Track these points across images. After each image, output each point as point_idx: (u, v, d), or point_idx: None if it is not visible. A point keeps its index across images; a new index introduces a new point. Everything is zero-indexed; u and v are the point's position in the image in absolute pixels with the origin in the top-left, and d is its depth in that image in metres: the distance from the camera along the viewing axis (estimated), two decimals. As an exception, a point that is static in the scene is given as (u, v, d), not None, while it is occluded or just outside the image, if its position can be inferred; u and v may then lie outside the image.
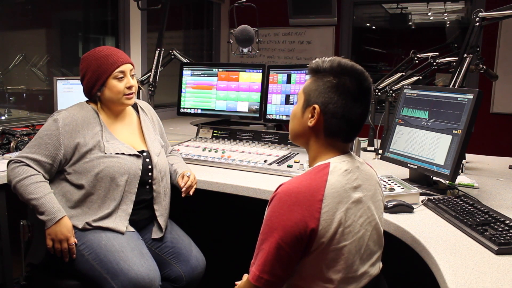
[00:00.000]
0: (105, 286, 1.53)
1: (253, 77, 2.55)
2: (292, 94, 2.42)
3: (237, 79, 2.58)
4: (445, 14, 4.59)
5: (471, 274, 1.13)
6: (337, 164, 1.14)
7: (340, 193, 1.10)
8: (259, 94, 2.52)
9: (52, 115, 1.67)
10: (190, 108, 2.68)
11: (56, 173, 1.65)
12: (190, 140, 2.55)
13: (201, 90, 2.66)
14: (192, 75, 2.69)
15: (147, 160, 1.74)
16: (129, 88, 1.71)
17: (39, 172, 1.59)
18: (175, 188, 1.83)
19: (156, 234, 1.76)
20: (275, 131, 2.50)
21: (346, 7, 4.52)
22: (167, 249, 1.76)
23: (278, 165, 2.06)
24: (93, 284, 1.56)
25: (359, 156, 1.77)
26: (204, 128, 2.62)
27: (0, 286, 1.99)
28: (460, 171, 1.93)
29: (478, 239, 1.32)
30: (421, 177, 1.87)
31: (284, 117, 2.44)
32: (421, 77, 2.63)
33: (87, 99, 1.76)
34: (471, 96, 1.70)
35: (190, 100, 2.68)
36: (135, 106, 1.89)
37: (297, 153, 2.22)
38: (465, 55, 2.04)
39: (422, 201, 1.67)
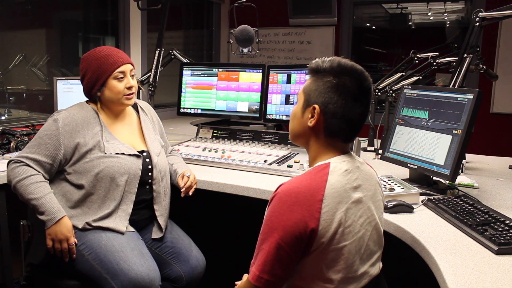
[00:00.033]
0: (105, 286, 1.53)
1: (253, 77, 2.55)
2: (292, 94, 2.42)
3: (237, 79, 2.58)
4: (445, 14, 4.59)
5: (471, 274, 1.13)
6: (337, 164, 1.14)
7: (340, 193, 1.10)
8: (259, 94, 2.52)
9: (52, 115, 1.67)
10: (190, 108, 2.68)
11: (56, 173, 1.65)
12: (190, 140, 2.55)
13: (201, 90, 2.66)
14: (192, 75, 2.69)
15: (147, 160, 1.74)
16: (129, 88, 1.71)
17: (39, 172, 1.59)
18: (175, 188, 1.83)
19: (156, 234, 1.76)
20: (275, 131, 2.50)
21: (346, 7, 4.52)
22: (167, 249, 1.76)
23: (278, 165, 2.06)
24: (93, 284, 1.56)
25: (359, 156, 1.77)
26: (204, 128, 2.62)
27: (0, 286, 1.99)
28: (460, 171, 1.93)
29: (478, 239, 1.32)
30: (421, 177, 1.87)
31: (284, 117, 2.44)
32: (421, 77, 2.63)
33: (87, 99, 1.76)
34: (471, 96, 1.70)
35: (190, 100, 2.68)
36: (135, 106, 1.89)
37: (297, 153, 2.22)
38: (465, 55, 2.04)
39: (422, 201, 1.67)
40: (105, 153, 1.63)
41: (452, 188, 1.82)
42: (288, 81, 2.44)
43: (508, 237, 1.27)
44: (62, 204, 1.60)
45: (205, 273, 1.80)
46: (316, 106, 1.14)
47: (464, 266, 1.17)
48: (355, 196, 1.13)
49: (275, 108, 2.47)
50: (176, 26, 4.63)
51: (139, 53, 3.79)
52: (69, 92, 2.47)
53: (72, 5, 3.65)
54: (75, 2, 3.67)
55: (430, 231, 1.42)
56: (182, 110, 2.70)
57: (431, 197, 1.68)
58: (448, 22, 4.56)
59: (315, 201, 1.07)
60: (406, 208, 1.58)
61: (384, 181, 1.77)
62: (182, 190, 1.77)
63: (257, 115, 2.53)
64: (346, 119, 1.13)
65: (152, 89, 2.82)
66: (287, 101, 2.43)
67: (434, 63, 2.55)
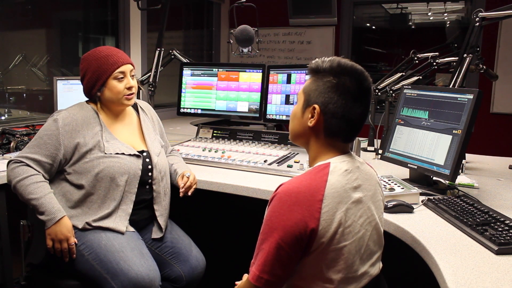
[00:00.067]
0: (105, 286, 1.53)
1: (253, 77, 2.55)
2: (292, 94, 2.42)
3: (237, 79, 2.58)
4: (445, 14, 4.59)
5: (471, 274, 1.13)
6: (337, 164, 1.14)
7: (340, 193, 1.10)
8: (259, 94, 2.52)
9: (52, 115, 1.67)
10: (190, 108, 2.68)
11: (56, 173, 1.65)
12: (190, 140, 2.55)
13: (201, 90, 2.66)
14: (192, 75, 2.69)
15: (147, 160, 1.74)
16: (129, 88, 1.71)
17: (39, 172, 1.59)
18: (175, 188, 1.82)
19: (156, 234, 1.76)
20: (275, 131, 2.50)
21: (346, 7, 4.52)
22: (167, 249, 1.76)
23: (278, 165, 2.06)
24: (93, 284, 1.56)
25: (359, 156, 1.77)
26: (204, 128, 2.62)
27: (0, 286, 1.99)
28: (460, 171, 1.93)
29: (478, 239, 1.32)
30: (421, 177, 1.87)
31: (284, 117, 2.44)
32: (421, 77, 2.63)
33: (87, 99, 1.76)
34: (471, 96, 1.70)
35: (190, 100, 2.68)
36: (135, 106, 1.89)
37: (297, 153, 2.22)
38: (465, 55, 2.04)
39: (422, 201, 1.67)
40: (105, 153, 1.63)
41: (452, 188, 1.82)
42: (288, 81, 2.44)
43: (508, 237, 1.27)
44: (62, 204, 1.60)
45: (205, 273, 1.80)
46: (316, 106, 1.14)
47: (464, 266, 1.17)
48: (355, 196, 1.13)
49: (275, 108, 2.47)
50: (176, 26, 4.63)
51: (139, 53, 3.79)
52: (69, 92, 2.47)
53: (72, 5, 3.65)
54: (75, 2, 3.67)
55: (430, 231, 1.42)
56: (182, 110, 2.70)
57: (431, 197, 1.68)
58: (448, 22, 4.56)
59: (315, 201, 1.07)
60: (406, 208, 1.58)
61: (384, 181, 1.77)
62: (181, 190, 1.76)
63: (257, 115, 2.53)
64: (346, 119, 1.13)
65: (152, 89, 2.82)
66: (287, 101, 2.43)
67: (434, 63, 2.55)
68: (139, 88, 1.82)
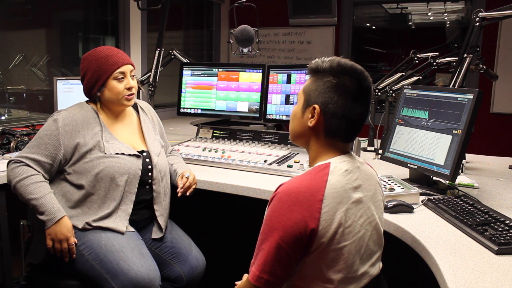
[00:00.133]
0: (105, 286, 1.53)
1: (253, 77, 2.55)
2: (292, 94, 2.42)
3: (237, 79, 2.58)
4: (445, 14, 4.59)
5: (471, 274, 1.13)
6: (337, 164, 1.14)
7: (340, 193, 1.10)
8: (259, 94, 2.52)
9: (52, 115, 1.67)
10: (190, 108, 2.68)
11: (56, 173, 1.65)
12: (190, 140, 2.55)
13: (201, 90, 2.66)
14: (192, 75, 2.69)
15: (147, 160, 1.74)
16: (129, 89, 1.71)
17: (39, 172, 1.59)
18: (175, 188, 1.82)
19: (156, 234, 1.76)
20: (275, 131, 2.50)
21: (346, 7, 4.52)
22: (167, 249, 1.76)
23: (278, 165, 2.06)
24: (93, 284, 1.56)
25: (359, 156, 1.77)
26: (204, 128, 2.62)
27: (0, 286, 1.99)
28: (460, 171, 1.93)
29: (478, 239, 1.32)
30: (421, 177, 1.87)
31: (284, 117, 2.44)
32: (421, 77, 2.63)
33: (87, 99, 1.76)
34: (471, 96, 1.70)
35: (190, 100, 2.68)
36: (135, 106, 1.89)
37: (297, 153, 2.22)
38: (465, 55, 2.04)
39: (422, 201, 1.67)
40: (105, 153, 1.63)
41: (452, 188, 1.82)
42: (288, 81, 2.44)
43: (508, 237, 1.27)
44: (62, 204, 1.60)
45: (205, 273, 1.80)
46: (316, 106, 1.14)
47: (464, 266, 1.17)
48: (355, 196, 1.13)
49: (275, 108, 2.47)
50: (176, 26, 4.63)
51: (139, 53, 3.79)
52: (69, 92, 2.47)
53: (72, 5, 3.65)
54: (75, 2, 3.67)
55: (430, 231, 1.42)
56: (182, 110, 2.70)
57: (431, 197, 1.68)
58: (448, 22, 4.56)
59: (315, 201, 1.07)
60: (406, 208, 1.58)
61: (384, 181, 1.77)
62: (178, 190, 1.76)
63: (257, 115, 2.53)
64: (346, 119, 1.13)
65: (152, 89, 2.82)
66: (287, 101, 2.43)
67: (434, 63, 2.55)
68: (139, 88, 1.82)
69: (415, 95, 1.96)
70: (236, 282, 1.25)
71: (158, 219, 1.75)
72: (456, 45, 3.34)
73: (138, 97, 2.10)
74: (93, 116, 1.70)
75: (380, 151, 2.34)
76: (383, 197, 1.29)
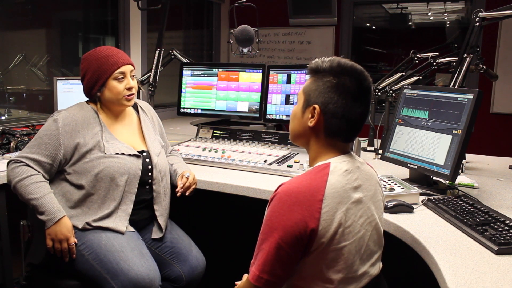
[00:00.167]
0: (105, 286, 1.53)
1: (253, 77, 2.55)
2: (292, 94, 2.42)
3: (237, 79, 2.58)
4: (445, 14, 4.59)
5: (471, 274, 1.13)
6: (337, 164, 1.14)
7: (340, 193, 1.10)
8: (259, 94, 2.52)
9: (52, 115, 1.67)
10: (190, 108, 2.68)
11: (56, 173, 1.65)
12: (190, 140, 2.55)
13: (201, 90, 2.66)
14: (192, 75, 2.69)
15: (147, 160, 1.74)
16: (129, 89, 1.71)
17: (39, 172, 1.59)
18: (175, 188, 1.82)
19: (156, 234, 1.76)
20: (275, 131, 2.50)
21: (346, 7, 4.52)
22: (167, 249, 1.76)
23: (278, 165, 2.06)
24: (93, 284, 1.56)
25: (359, 156, 1.77)
26: (204, 128, 2.62)
27: (0, 286, 1.99)
28: (460, 171, 1.93)
29: (478, 239, 1.32)
30: (421, 177, 1.87)
31: (284, 117, 2.44)
32: (421, 77, 2.63)
33: (87, 99, 1.76)
34: (471, 96, 1.70)
35: (190, 100, 2.68)
36: (135, 106, 1.89)
37: (297, 153, 2.22)
38: (465, 55, 2.04)
39: (422, 201, 1.67)
40: (105, 153, 1.63)
41: (452, 188, 1.82)
42: (288, 81, 2.44)
43: (508, 237, 1.27)
44: (62, 204, 1.60)
45: (205, 273, 1.80)
46: (316, 106, 1.14)
47: (464, 266, 1.17)
48: (355, 196, 1.13)
49: (275, 108, 2.47)
50: (176, 26, 4.63)
51: (139, 53, 3.79)
52: (69, 92, 2.47)
53: (72, 5, 3.65)
54: (75, 2, 3.67)
55: (430, 231, 1.42)
56: (182, 110, 2.70)
57: (431, 197, 1.68)
58: (448, 22, 4.56)
59: (315, 201, 1.07)
60: (406, 208, 1.58)
61: (384, 181, 1.77)
62: (178, 189, 1.76)
63: (257, 115, 2.53)
64: (346, 119, 1.13)
65: (152, 89, 2.82)
66: (287, 101, 2.43)
67: (434, 63, 2.55)
68: (139, 88, 1.82)
69: (415, 95, 1.96)
70: (236, 282, 1.25)
71: (158, 219, 1.75)
72: (456, 45, 3.34)
73: (138, 97, 2.10)
74: (93, 116, 1.70)
75: (380, 151, 2.34)
76: (383, 197, 1.29)
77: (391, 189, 1.68)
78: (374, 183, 1.22)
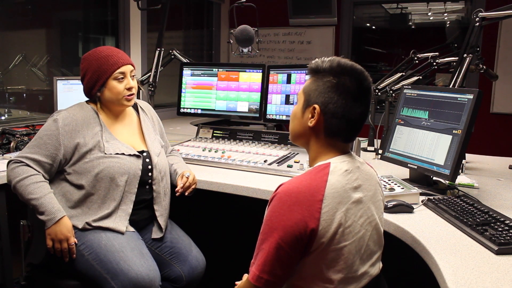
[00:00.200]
0: (105, 286, 1.53)
1: (253, 77, 2.55)
2: (292, 94, 2.42)
3: (237, 79, 2.58)
4: (445, 14, 4.59)
5: (471, 274, 1.13)
6: (338, 164, 1.14)
7: (340, 193, 1.10)
8: (259, 94, 2.52)
9: (52, 115, 1.67)
10: (190, 108, 2.68)
11: (56, 173, 1.65)
12: (190, 140, 2.55)
13: (201, 90, 2.66)
14: (192, 75, 2.69)
15: (147, 160, 1.74)
16: (129, 89, 1.71)
17: (39, 172, 1.59)
18: (175, 188, 1.82)
19: (156, 234, 1.76)
20: (275, 131, 2.50)
21: (346, 7, 4.52)
22: (167, 249, 1.76)
23: (278, 165, 2.06)
24: (93, 284, 1.56)
25: (359, 156, 1.77)
26: (204, 128, 2.62)
27: (0, 286, 1.99)
28: (460, 171, 1.93)
29: (478, 239, 1.32)
30: (421, 177, 1.87)
31: (284, 117, 2.44)
32: (421, 77, 2.63)
33: (87, 99, 1.76)
34: (471, 96, 1.70)
35: (190, 100, 2.68)
36: (135, 106, 1.89)
37: (297, 153, 2.22)
38: (465, 55, 2.04)
39: (422, 201, 1.67)
40: (105, 153, 1.63)
41: (452, 188, 1.82)
42: (288, 81, 2.44)
43: (508, 237, 1.27)
44: (62, 204, 1.60)
45: (205, 273, 1.80)
46: (316, 106, 1.14)
47: (464, 266, 1.17)
48: (355, 196, 1.13)
49: (275, 108, 2.47)
50: (176, 26, 4.64)
51: (139, 53, 3.79)
52: (69, 92, 2.47)
53: (72, 5, 3.65)
54: (75, 2, 3.67)
55: (430, 231, 1.42)
56: (182, 110, 2.70)
57: (431, 197, 1.68)
58: (448, 22, 4.56)
59: (315, 201, 1.07)
60: (406, 208, 1.58)
61: (384, 181, 1.77)
62: (178, 189, 1.76)
63: (257, 115, 2.53)
64: (346, 119, 1.13)
65: (152, 89, 2.82)
66: (287, 101, 2.43)
67: (434, 63, 2.55)
68: (139, 88, 1.82)
69: (415, 95, 1.96)
70: (236, 282, 1.25)
71: (158, 219, 1.75)
72: (456, 45, 3.34)
73: (138, 97, 2.11)
74: (93, 116, 1.70)
75: (380, 151, 2.34)
76: (383, 197, 1.29)
77: (391, 189, 1.68)
78: (374, 183, 1.22)
